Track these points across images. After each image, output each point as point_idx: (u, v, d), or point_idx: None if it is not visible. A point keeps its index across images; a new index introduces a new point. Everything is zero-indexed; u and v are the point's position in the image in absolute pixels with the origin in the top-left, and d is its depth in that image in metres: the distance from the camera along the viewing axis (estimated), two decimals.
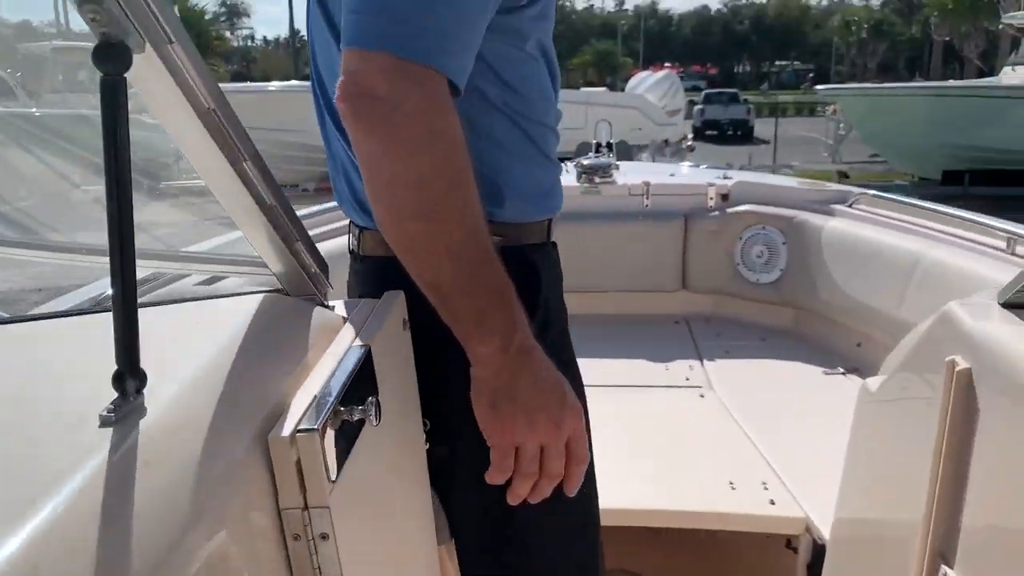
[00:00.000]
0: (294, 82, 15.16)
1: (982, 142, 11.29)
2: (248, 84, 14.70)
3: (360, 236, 1.15)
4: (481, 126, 1.03)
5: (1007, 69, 12.97)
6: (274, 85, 12.95)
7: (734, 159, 14.72)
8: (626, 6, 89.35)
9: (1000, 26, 20.31)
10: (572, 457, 0.95)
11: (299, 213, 0.96)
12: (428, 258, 0.88)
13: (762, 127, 26.62)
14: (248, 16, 73.11)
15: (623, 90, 18.00)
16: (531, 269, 1.10)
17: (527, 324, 0.92)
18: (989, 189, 11.77)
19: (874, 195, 2.49)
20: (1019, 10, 20.09)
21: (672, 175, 2.92)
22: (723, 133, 26.61)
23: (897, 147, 12.27)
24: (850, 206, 2.54)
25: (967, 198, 12.01)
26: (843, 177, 12.59)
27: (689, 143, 13.98)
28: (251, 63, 66.54)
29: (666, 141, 13.39)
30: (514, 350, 0.90)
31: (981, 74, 24.87)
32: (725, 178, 2.78)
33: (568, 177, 2.82)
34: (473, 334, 0.90)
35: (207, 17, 28.34)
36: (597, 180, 2.77)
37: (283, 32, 66.39)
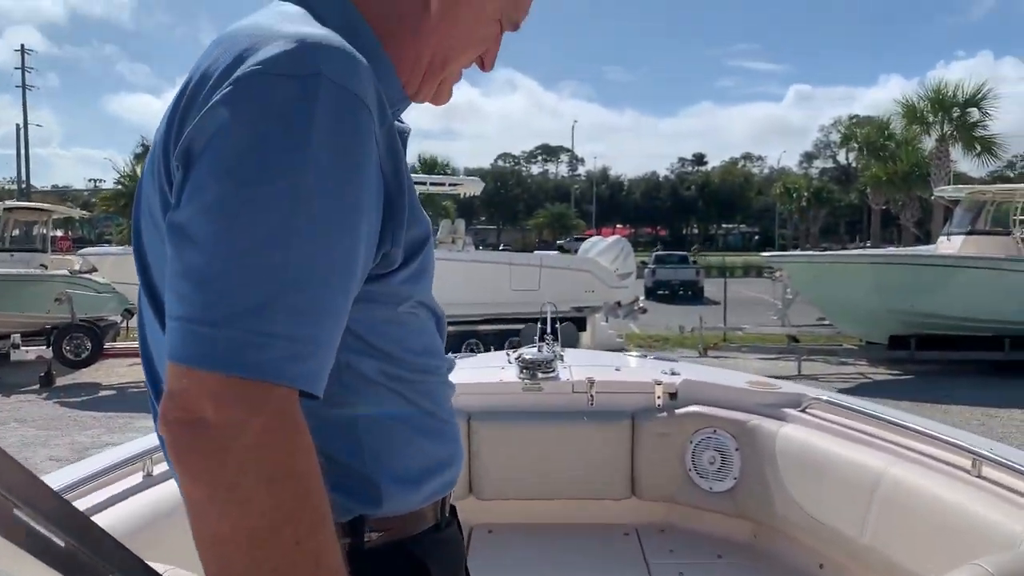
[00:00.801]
0: None
1: (926, 308, 11.59)
2: None
3: None
4: (354, 407, 0.89)
5: (943, 238, 13.51)
6: None
7: (685, 319, 14.89)
8: (579, 171, 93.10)
9: (932, 197, 21.44)
10: None
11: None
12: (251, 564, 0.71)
13: (711, 287, 27.22)
14: None
15: (577, 250, 18.34)
16: (418, 566, 0.94)
17: None
18: (936, 354, 11.98)
19: (828, 401, 2.39)
20: (948, 183, 21.29)
21: (618, 369, 2.80)
22: (674, 293, 27.14)
23: (844, 312, 12.52)
24: (804, 411, 2.43)
25: (914, 362, 12.22)
26: (793, 341, 12.75)
27: (641, 305, 14.15)
28: None
29: (618, 303, 13.52)
30: None
31: (918, 240, 25.98)
32: (672, 373, 2.67)
33: (508, 372, 2.69)
34: None
35: None
36: (539, 376, 2.61)
37: None
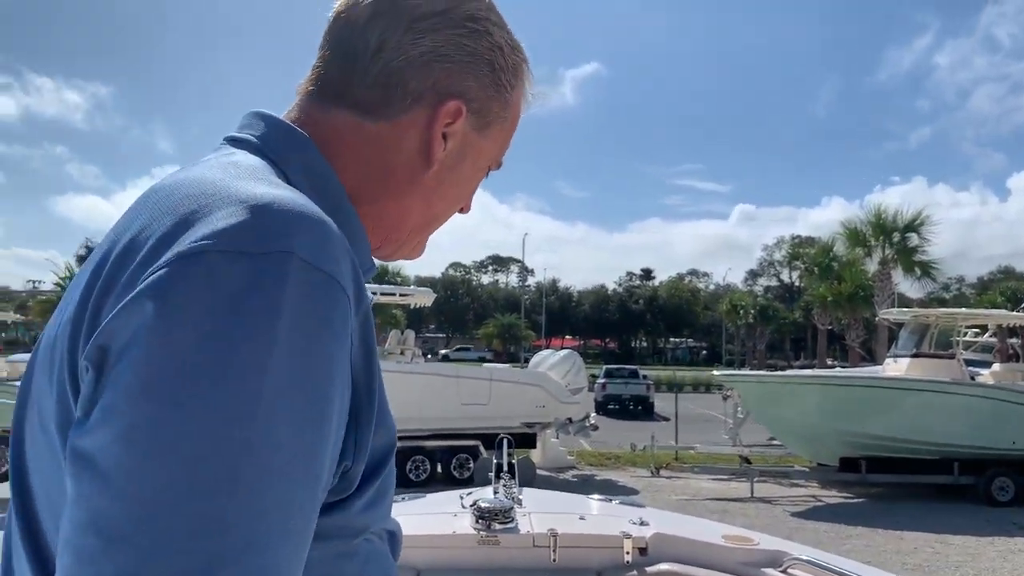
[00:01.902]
0: None
1: (874, 430, 11.59)
2: None
3: None
4: None
5: (889, 360, 13.68)
6: None
7: (637, 436, 14.69)
8: (529, 283, 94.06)
9: (877, 318, 21.93)
10: None
11: None
12: None
13: (661, 402, 27.17)
14: None
15: (527, 361, 18.18)
16: None
17: None
18: (886, 476, 11.92)
19: (808, 561, 2.21)
20: (892, 305, 21.81)
21: (582, 517, 2.58)
22: (624, 407, 26.97)
23: (794, 433, 12.48)
24: (784, 572, 2.23)
25: (865, 485, 12.13)
26: (744, 462, 12.60)
27: (592, 422, 13.91)
28: None
29: (570, 419, 13.28)
30: None
31: (864, 359, 26.44)
32: (641, 523, 2.45)
33: (462, 520, 2.44)
34: None
35: None
36: (496, 527, 2.37)
37: None
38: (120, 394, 0.54)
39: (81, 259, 53.00)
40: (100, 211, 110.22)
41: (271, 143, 0.76)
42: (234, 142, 0.77)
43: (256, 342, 0.55)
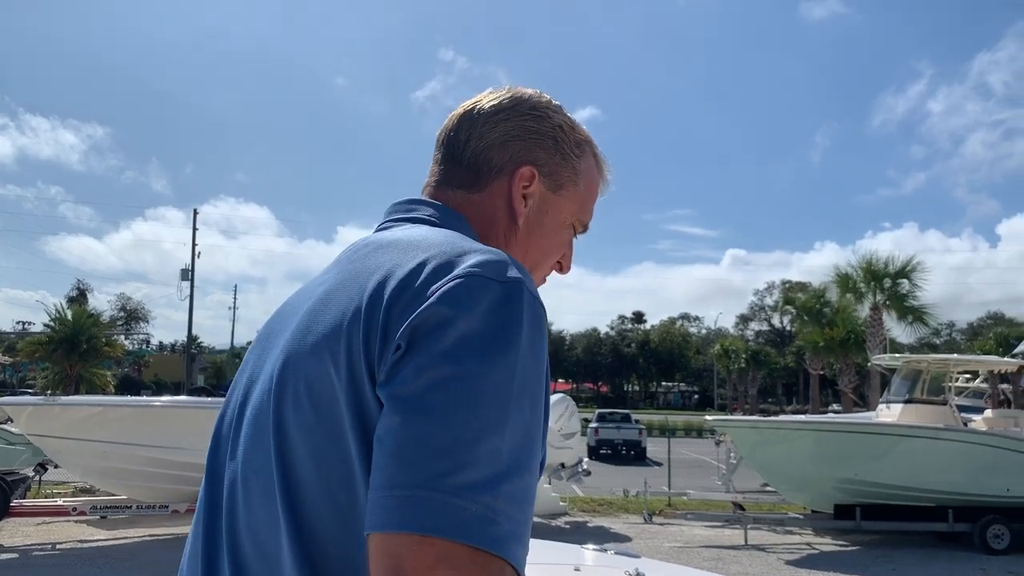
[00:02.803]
0: (181, 397, 14.65)
1: (868, 477, 11.54)
2: (131, 398, 14.07)
3: None
4: None
5: (882, 406, 13.67)
6: (159, 400, 12.40)
7: (630, 482, 14.58)
8: None
9: (869, 364, 21.94)
10: None
11: None
12: None
13: (653, 446, 26.99)
14: (147, 321, 73.20)
15: None
16: None
17: None
18: (882, 524, 11.83)
19: None
20: (884, 350, 21.85)
21: (577, 569, 2.54)
22: (616, 452, 26.79)
23: (787, 479, 12.39)
24: None
25: (861, 532, 12.03)
26: (738, 508, 12.49)
27: (585, 467, 13.81)
28: (143, 367, 65.41)
29: (563, 464, 13.18)
30: None
31: (856, 404, 26.40)
32: (638, 574, 2.43)
33: None
34: None
35: (103, 321, 28.00)
36: None
37: (181, 337, 66.38)
38: (435, 358, 0.80)
39: (72, 300, 52.83)
40: (93, 252, 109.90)
41: (443, 219, 1.06)
42: (415, 219, 1.07)
43: (513, 332, 0.82)
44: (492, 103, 1.13)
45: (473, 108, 1.13)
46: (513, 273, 0.87)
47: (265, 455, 0.90)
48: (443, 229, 1.02)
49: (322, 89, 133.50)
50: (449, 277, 0.85)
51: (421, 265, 0.88)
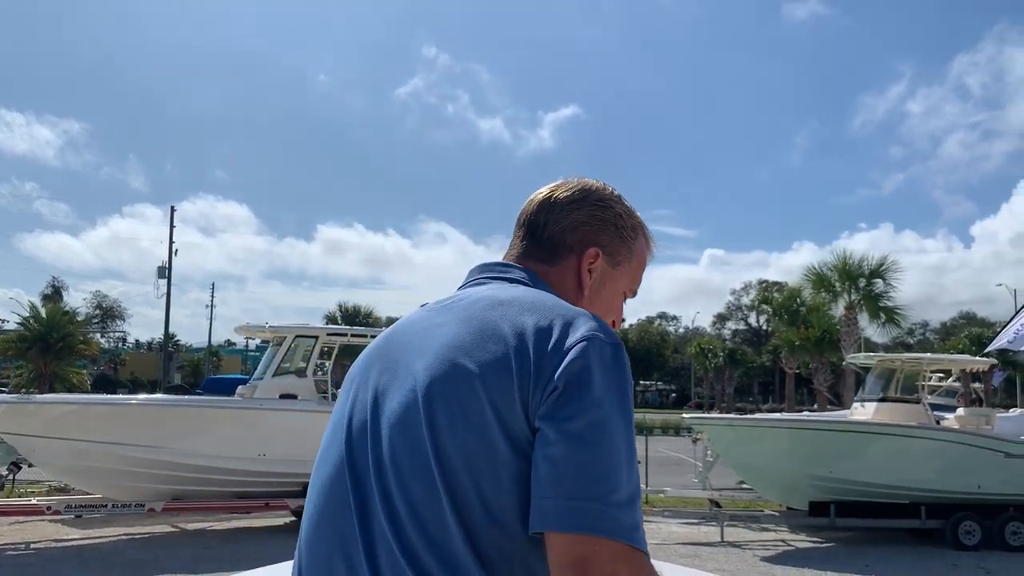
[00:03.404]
0: (157, 396, 14.55)
1: (843, 474, 11.67)
2: (106, 397, 13.95)
3: None
4: None
5: (856, 405, 13.82)
6: (137, 398, 12.32)
7: None
8: None
9: (844, 363, 22.17)
10: None
11: None
12: None
13: None
14: (123, 319, 72.48)
15: None
16: None
17: None
18: (855, 521, 11.97)
19: None
20: (858, 350, 22.09)
21: None
22: None
23: (763, 477, 12.52)
24: None
25: (835, 529, 12.17)
26: (715, 506, 12.60)
27: None
28: (119, 365, 64.81)
29: None
30: None
31: (831, 403, 26.65)
32: None
33: None
34: None
35: (79, 319, 27.71)
36: None
37: (157, 335, 65.81)
38: (588, 403, 1.07)
39: (47, 298, 52.16)
40: (69, 249, 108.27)
41: (533, 283, 1.33)
42: (512, 279, 1.34)
43: (627, 384, 1.12)
44: (566, 194, 1.42)
45: (550, 197, 1.42)
46: (614, 335, 1.17)
47: (414, 447, 1.13)
48: (541, 291, 1.28)
49: (304, 86, 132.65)
50: (579, 337, 1.12)
51: (548, 323, 1.15)
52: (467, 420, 1.10)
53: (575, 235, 1.39)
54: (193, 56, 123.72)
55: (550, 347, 1.12)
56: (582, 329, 1.14)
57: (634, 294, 1.49)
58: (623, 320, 1.53)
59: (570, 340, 1.12)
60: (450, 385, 1.13)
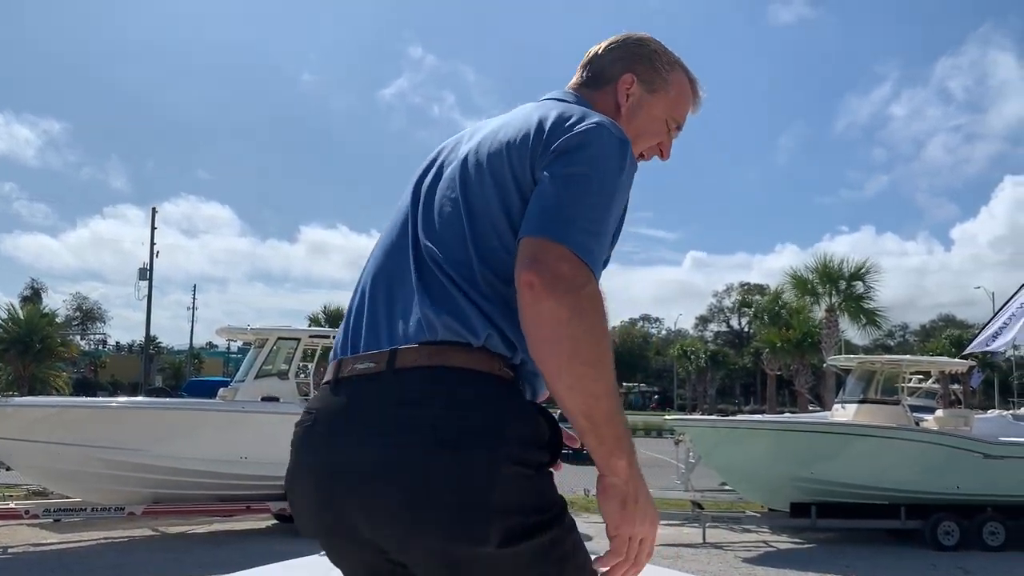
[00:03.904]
0: (138, 398, 14.45)
1: (824, 475, 11.75)
2: (86, 399, 13.85)
3: (393, 354, 1.38)
4: None
5: (837, 406, 13.92)
6: (117, 401, 12.23)
7: (590, 482, 14.57)
8: None
9: (824, 365, 22.33)
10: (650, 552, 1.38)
11: None
12: (588, 395, 1.29)
13: None
14: (104, 321, 71.90)
15: None
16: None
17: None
18: (837, 522, 12.05)
19: None
20: (839, 351, 22.27)
21: None
22: (578, 452, 26.73)
23: (745, 478, 12.58)
24: None
25: (816, 530, 12.25)
26: (696, 507, 12.65)
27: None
28: (99, 368, 64.29)
29: None
30: (635, 467, 1.35)
31: (812, 405, 26.84)
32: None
33: None
34: (614, 451, 1.33)
35: (58, 321, 27.48)
36: None
37: (138, 338, 65.31)
38: (578, 160, 1.39)
39: (26, 299, 51.60)
40: (48, 250, 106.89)
41: (579, 102, 1.62)
42: (560, 100, 1.64)
43: (621, 162, 1.42)
44: (613, 40, 1.75)
45: (601, 45, 1.76)
46: (622, 133, 1.47)
47: (452, 199, 1.48)
48: (580, 104, 1.58)
49: (288, 85, 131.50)
50: (590, 122, 1.44)
51: (568, 115, 1.47)
52: (494, 179, 1.45)
53: (615, 67, 1.71)
54: (176, 55, 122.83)
55: (564, 127, 1.44)
56: (595, 119, 1.46)
57: (678, 127, 1.76)
58: (668, 151, 1.78)
59: (582, 124, 1.44)
60: (483, 156, 1.48)
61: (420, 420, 1.30)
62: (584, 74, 1.75)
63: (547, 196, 1.35)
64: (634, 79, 1.69)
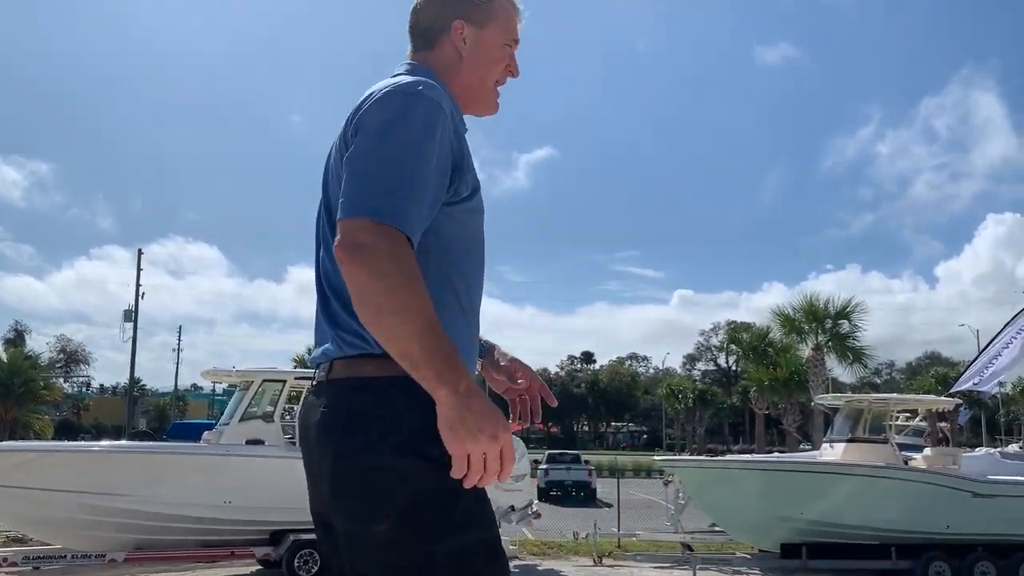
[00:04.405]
0: (120, 442, 14.27)
1: (813, 515, 11.69)
2: (67, 444, 13.67)
3: (331, 365, 1.67)
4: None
5: (825, 445, 13.89)
6: (99, 445, 12.07)
7: (579, 524, 14.53)
8: None
9: (812, 404, 22.34)
10: (505, 458, 1.44)
11: None
12: (401, 340, 1.43)
13: (603, 487, 26.96)
14: (88, 364, 71.24)
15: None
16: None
17: (470, 377, 1.45)
18: (827, 562, 11.96)
19: None
20: (826, 390, 22.30)
21: None
22: (567, 493, 26.70)
23: (734, 519, 12.49)
24: None
25: (807, 571, 12.13)
26: (687, 549, 12.54)
27: (535, 510, 13.73)
28: (83, 411, 63.54)
29: (512, 507, 13.09)
30: (462, 391, 1.41)
31: (800, 444, 26.79)
32: None
33: None
34: (435, 384, 1.42)
35: (42, 363, 27.21)
36: None
37: (123, 380, 64.71)
38: (366, 133, 1.58)
39: (9, 342, 51.27)
40: (33, 292, 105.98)
41: (411, 70, 1.78)
42: (396, 74, 1.76)
43: (412, 122, 1.56)
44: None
45: (419, 2, 1.86)
46: (416, 88, 1.61)
47: (324, 212, 1.76)
48: (403, 74, 1.75)
49: (278, 126, 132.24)
50: (375, 97, 1.62)
51: (365, 98, 1.65)
52: (335, 170, 1.68)
53: (441, 19, 1.81)
54: (165, 95, 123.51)
55: (358, 113, 1.63)
56: (386, 88, 1.64)
57: (516, 42, 1.88)
58: (516, 67, 1.89)
59: (369, 101, 1.63)
60: (333, 163, 1.72)
61: (333, 422, 1.61)
62: (415, 39, 1.86)
63: (346, 180, 1.53)
64: (463, 23, 1.80)
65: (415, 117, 1.55)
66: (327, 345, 1.67)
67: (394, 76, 1.74)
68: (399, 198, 1.48)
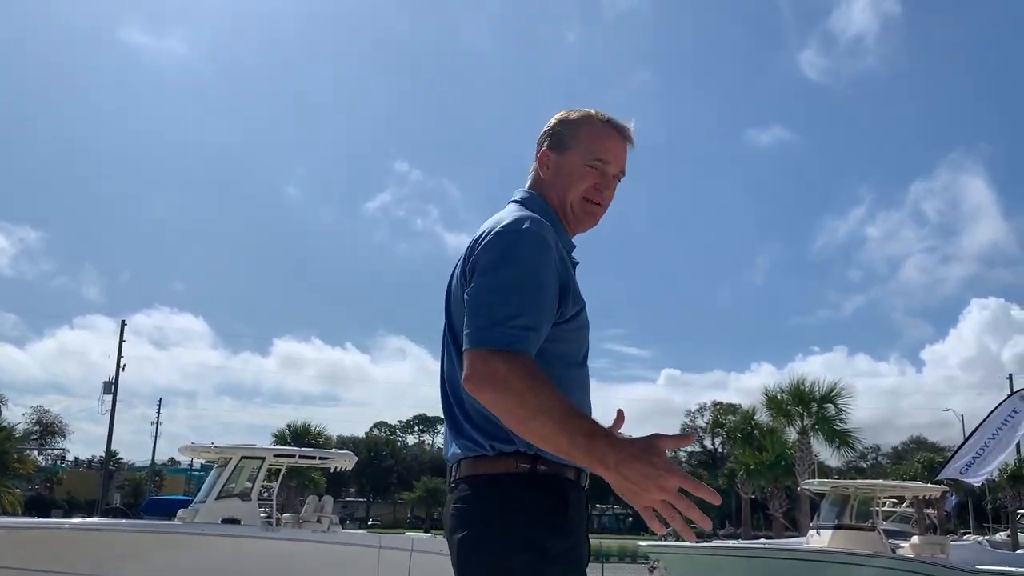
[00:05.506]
0: (94, 519, 13.93)
1: None
2: (37, 520, 13.31)
3: (458, 465, 1.94)
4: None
5: (812, 532, 13.71)
6: (69, 522, 11.76)
7: None
8: None
9: (799, 488, 22.11)
10: (687, 487, 1.55)
11: None
12: (549, 440, 1.65)
13: (588, 572, 26.30)
14: (64, 436, 69.92)
15: None
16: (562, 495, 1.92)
17: (616, 444, 1.59)
18: None
19: None
20: (813, 475, 22.10)
21: None
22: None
23: None
24: None
25: None
26: None
27: None
28: (56, 484, 62.11)
29: None
30: (612, 465, 1.56)
31: (787, 529, 26.40)
32: None
33: None
34: (591, 466, 1.62)
35: (16, 435, 26.69)
36: None
37: (99, 453, 63.39)
38: (482, 268, 1.85)
39: None
40: (13, 361, 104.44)
41: (525, 199, 2.08)
42: (511, 201, 2.10)
43: (511, 255, 1.84)
44: (540, 137, 2.19)
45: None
46: (519, 226, 1.87)
47: (449, 332, 2.01)
48: (514, 206, 2.04)
49: (272, 198, 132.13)
50: (490, 235, 1.88)
51: (482, 233, 1.92)
52: (456, 296, 1.94)
53: (537, 151, 2.15)
54: (158, 164, 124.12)
55: (475, 248, 1.90)
56: (499, 226, 1.88)
57: (599, 160, 2.07)
58: (603, 185, 2.09)
59: (484, 239, 1.88)
60: (455, 287, 1.98)
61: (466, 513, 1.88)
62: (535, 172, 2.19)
63: (467, 315, 1.79)
64: (547, 151, 2.11)
65: (522, 251, 1.82)
66: (454, 447, 1.94)
67: (509, 202, 2.08)
68: (525, 321, 1.73)
